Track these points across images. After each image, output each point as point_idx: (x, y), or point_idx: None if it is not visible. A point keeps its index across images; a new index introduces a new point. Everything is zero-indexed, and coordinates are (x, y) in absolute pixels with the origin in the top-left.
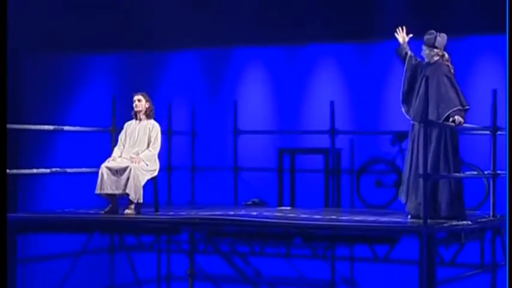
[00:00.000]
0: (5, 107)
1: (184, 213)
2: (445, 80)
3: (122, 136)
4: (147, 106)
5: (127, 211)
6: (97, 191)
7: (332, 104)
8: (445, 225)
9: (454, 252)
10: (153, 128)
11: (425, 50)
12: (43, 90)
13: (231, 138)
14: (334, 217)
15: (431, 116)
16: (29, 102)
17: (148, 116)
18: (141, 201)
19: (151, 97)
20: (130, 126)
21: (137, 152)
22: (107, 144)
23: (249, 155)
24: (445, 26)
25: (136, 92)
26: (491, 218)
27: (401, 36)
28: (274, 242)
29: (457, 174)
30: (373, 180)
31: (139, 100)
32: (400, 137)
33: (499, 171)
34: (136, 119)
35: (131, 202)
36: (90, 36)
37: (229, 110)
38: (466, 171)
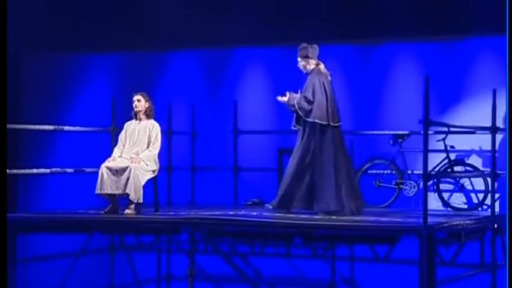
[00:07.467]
0: (5, 107)
1: (184, 213)
2: (317, 87)
3: (121, 136)
4: (146, 106)
5: (127, 211)
6: (97, 191)
7: None
8: (445, 225)
9: (454, 252)
10: (153, 128)
11: (300, 62)
12: (43, 90)
13: (231, 138)
14: (334, 217)
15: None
16: (29, 102)
17: (148, 116)
18: (141, 201)
19: (151, 97)
20: (130, 126)
21: (137, 152)
22: (107, 144)
23: (249, 155)
24: (445, 26)
25: (136, 92)
26: (491, 218)
27: (283, 100)
28: (274, 242)
29: (457, 174)
30: (373, 180)
31: (139, 100)
32: (400, 137)
33: (499, 171)
34: (136, 119)
35: (131, 202)
36: (90, 36)
37: (229, 110)
38: (466, 171)
